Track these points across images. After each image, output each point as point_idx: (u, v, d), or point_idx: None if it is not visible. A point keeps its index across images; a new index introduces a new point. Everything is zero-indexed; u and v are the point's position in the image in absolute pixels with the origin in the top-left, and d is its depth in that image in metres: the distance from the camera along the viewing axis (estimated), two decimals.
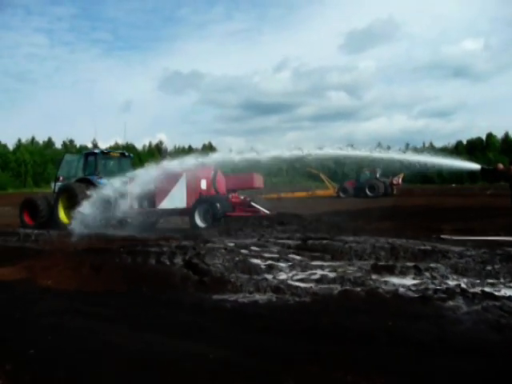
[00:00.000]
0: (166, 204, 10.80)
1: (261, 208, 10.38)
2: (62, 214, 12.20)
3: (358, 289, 4.22)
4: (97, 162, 12.65)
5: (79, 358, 2.91)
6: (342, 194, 32.49)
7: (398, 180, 32.88)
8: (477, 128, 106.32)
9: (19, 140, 66.28)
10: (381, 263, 5.17)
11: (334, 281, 4.47)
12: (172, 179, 10.79)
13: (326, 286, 4.33)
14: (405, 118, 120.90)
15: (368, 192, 31.39)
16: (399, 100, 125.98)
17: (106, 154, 13.09)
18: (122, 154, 13.56)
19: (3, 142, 65.17)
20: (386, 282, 4.43)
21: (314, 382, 2.47)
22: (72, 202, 11.84)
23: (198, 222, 10.03)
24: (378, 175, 32.33)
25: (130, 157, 13.77)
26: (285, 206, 14.62)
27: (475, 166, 9.62)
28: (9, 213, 18.37)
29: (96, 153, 12.93)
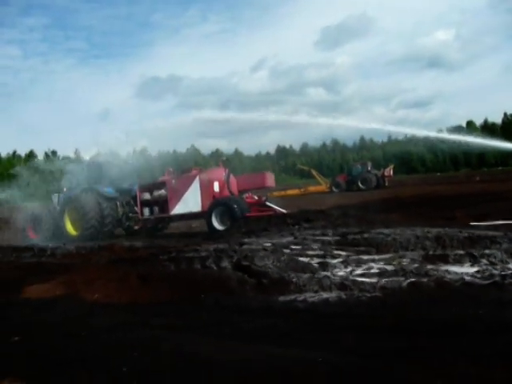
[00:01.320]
0: (179, 208, 10.60)
1: (276, 207, 10.29)
2: (68, 226, 11.90)
3: (425, 279, 4.17)
4: (101, 171, 12.40)
5: (179, 373, 2.76)
6: (334, 189, 32.60)
7: (390, 171, 33.23)
8: (455, 116, 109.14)
9: None
10: (431, 253, 5.14)
11: (395, 273, 4.41)
12: (184, 183, 10.62)
13: (390, 279, 4.27)
14: (384, 111, 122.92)
15: (361, 185, 31.61)
16: (377, 93, 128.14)
17: (109, 162, 12.83)
18: (125, 162, 13.31)
19: None
20: (448, 271, 4.39)
21: (440, 377, 2.39)
22: (79, 213, 11.57)
23: (216, 224, 9.86)
24: (369, 168, 32.57)
25: (133, 164, 13.52)
26: (287, 205, 14.54)
27: None
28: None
29: (100, 161, 12.67)
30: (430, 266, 4.63)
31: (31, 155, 67.60)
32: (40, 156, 68.53)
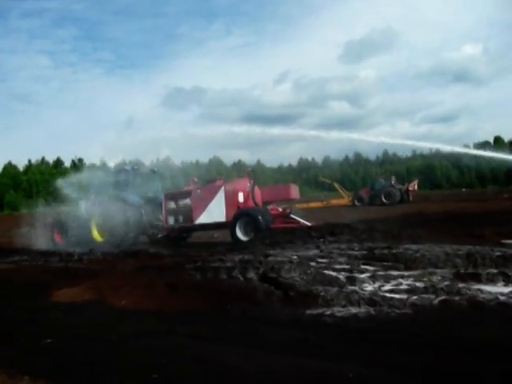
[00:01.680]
0: (204, 218, 10.66)
1: (300, 219, 10.24)
2: (94, 232, 12.11)
3: (456, 298, 4.07)
4: (127, 179, 12.60)
5: (205, 381, 2.76)
6: (357, 203, 32.19)
7: (414, 186, 32.66)
8: (481, 131, 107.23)
9: (29, 161, 66.96)
10: (462, 271, 5.02)
11: (426, 291, 4.32)
12: (209, 193, 10.70)
13: (420, 296, 4.18)
14: (408, 125, 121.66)
15: (384, 199, 31.08)
16: (401, 107, 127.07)
17: (135, 170, 13.05)
18: (151, 171, 13.52)
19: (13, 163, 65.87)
20: (480, 290, 4.27)
21: None
22: (105, 220, 11.76)
23: (240, 235, 9.88)
24: (393, 182, 32.11)
25: (158, 173, 13.70)
26: (311, 218, 14.43)
27: None
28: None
29: (126, 170, 12.89)
30: (461, 285, 4.52)
31: (58, 162, 69.38)
32: (67, 163, 70.41)
